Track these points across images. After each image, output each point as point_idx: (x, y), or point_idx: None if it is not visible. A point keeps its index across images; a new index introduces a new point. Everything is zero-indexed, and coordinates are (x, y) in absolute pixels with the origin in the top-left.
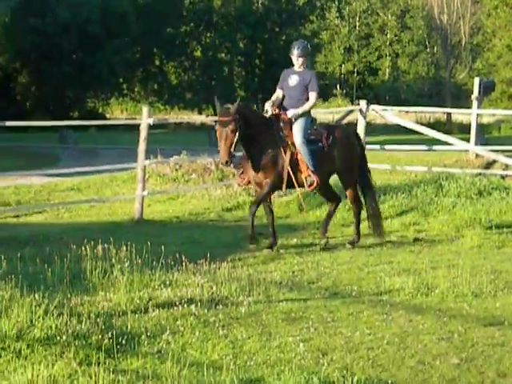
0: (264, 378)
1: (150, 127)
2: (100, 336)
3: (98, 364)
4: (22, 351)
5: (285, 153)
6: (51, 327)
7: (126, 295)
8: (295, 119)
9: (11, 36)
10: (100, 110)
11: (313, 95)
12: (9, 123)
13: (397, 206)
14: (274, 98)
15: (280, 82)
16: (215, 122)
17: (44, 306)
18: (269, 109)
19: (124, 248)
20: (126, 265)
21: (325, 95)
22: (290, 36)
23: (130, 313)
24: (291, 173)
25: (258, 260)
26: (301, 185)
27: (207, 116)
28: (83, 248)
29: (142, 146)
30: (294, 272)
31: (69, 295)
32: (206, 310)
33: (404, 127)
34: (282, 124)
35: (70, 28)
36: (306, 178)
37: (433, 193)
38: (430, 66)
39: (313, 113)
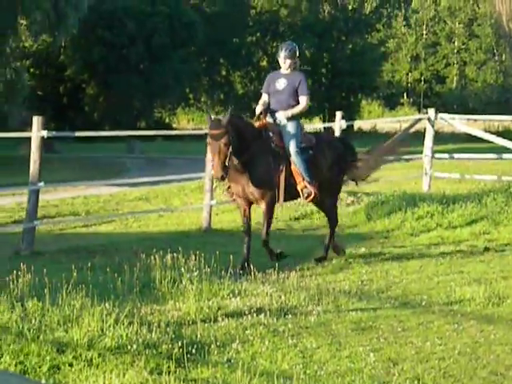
0: None
1: None
2: (170, 345)
3: (169, 373)
4: (94, 360)
5: (279, 164)
6: (122, 336)
7: (195, 304)
8: (285, 126)
9: (79, 48)
10: (167, 120)
11: (303, 99)
12: (78, 133)
13: (466, 215)
14: (261, 102)
15: (265, 86)
16: (206, 134)
17: (114, 315)
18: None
19: (193, 257)
20: (195, 274)
21: (392, 104)
22: (356, 45)
23: (199, 322)
24: (282, 185)
25: (326, 269)
26: (295, 197)
27: None
28: (152, 257)
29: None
30: (362, 281)
31: (139, 304)
32: (275, 320)
33: (472, 136)
34: (271, 133)
35: (137, 39)
36: (302, 189)
37: (503, 202)
38: (498, 73)
39: (381, 122)
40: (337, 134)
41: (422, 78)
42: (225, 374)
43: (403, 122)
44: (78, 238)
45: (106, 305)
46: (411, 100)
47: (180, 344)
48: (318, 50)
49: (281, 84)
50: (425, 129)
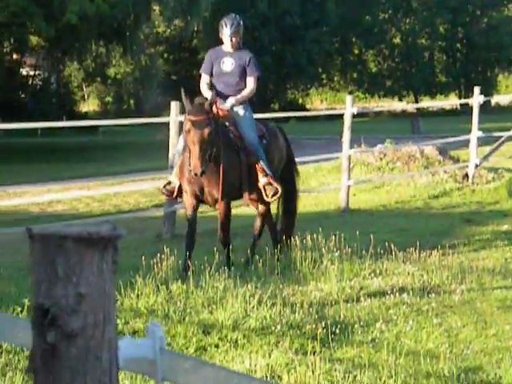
0: (482, 367)
1: (353, 116)
2: (314, 325)
3: (314, 353)
4: (239, 341)
5: (240, 159)
6: (265, 317)
7: (337, 285)
8: (238, 113)
9: (212, 31)
10: (300, 101)
11: (251, 80)
12: None
13: None
14: (206, 86)
15: (206, 66)
16: (185, 121)
17: (257, 296)
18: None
19: (332, 238)
20: (336, 254)
21: None
22: (492, 18)
23: (341, 302)
24: (247, 182)
25: (469, 247)
26: (255, 199)
27: (407, 103)
28: (292, 238)
29: (346, 135)
30: (506, 259)
31: (281, 285)
32: (418, 299)
33: None
34: (227, 123)
35: (269, 20)
36: (264, 186)
37: None
38: None
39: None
40: (475, 110)
41: None
42: (370, 354)
43: None
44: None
45: (249, 286)
46: None
47: (324, 324)
48: (453, 26)
49: (228, 64)
50: None
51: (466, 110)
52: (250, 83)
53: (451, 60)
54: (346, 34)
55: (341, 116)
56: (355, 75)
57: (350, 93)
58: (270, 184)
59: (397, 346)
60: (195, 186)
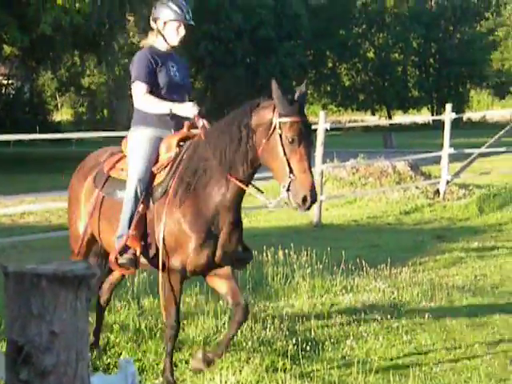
0: None
1: (326, 131)
2: (285, 342)
3: (284, 370)
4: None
5: None
6: (237, 333)
7: (308, 301)
8: None
9: (186, 42)
10: None
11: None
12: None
13: None
14: (154, 98)
15: (145, 72)
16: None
17: (229, 312)
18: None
19: (304, 253)
20: (308, 270)
21: (501, 93)
22: (464, 34)
23: (312, 318)
24: None
25: (439, 264)
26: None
27: (380, 117)
28: (264, 254)
29: (319, 151)
30: (476, 276)
31: (252, 301)
32: (388, 316)
33: None
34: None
35: (243, 32)
36: None
37: None
38: None
39: (491, 113)
40: (447, 127)
41: None
42: (340, 371)
43: None
44: None
45: (220, 302)
46: None
47: (294, 341)
48: (426, 41)
49: (174, 71)
50: None
51: (439, 124)
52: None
53: (424, 75)
54: (319, 47)
55: (314, 130)
56: (329, 88)
57: (324, 106)
58: None
59: (367, 363)
60: (211, 243)
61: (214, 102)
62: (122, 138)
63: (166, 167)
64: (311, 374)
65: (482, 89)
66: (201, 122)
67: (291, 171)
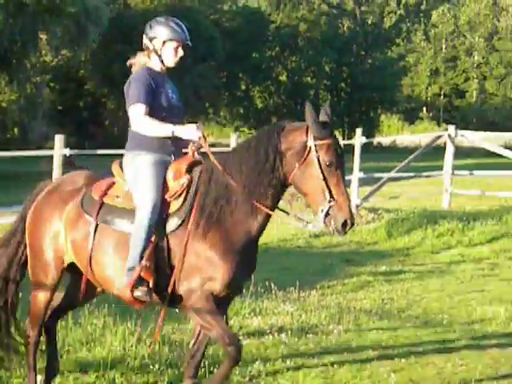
0: None
1: None
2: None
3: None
4: (116, 380)
5: None
6: (144, 356)
7: None
8: None
9: (99, 62)
10: None
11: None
12: (100, 151)
13: (487, 232)
14: (156, 121)
15: (145, 93)
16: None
17: (137, 334)
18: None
19: None
20: None
21: (411, 118)
22: (376, 59)
23: None
24: None
25: (347, 288)
26: None
27: None
28: None
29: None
30: (383, 300)
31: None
32: (296, 339)
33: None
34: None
35: None
36: None
37: None
38: None
39: (401, 138)
40: (357, 151)
41: (442, 93)
42: None
43: (423, 138)
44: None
45: (128, 324)
46: (431, 114)
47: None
48: (338, 65)
49: (171, 93)
50: (445, 144)
51: (349, 148)
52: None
53: (336, 99)
54: (233, 69)
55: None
56: (242, 111)
57: (237, 128)
58: None
59: None
60: (241, 270)
61: (127, 121)
62: (35, 157)
63: (180, 195)
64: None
65: (393, 114)
66: (206, 147)
67: (331, 195)
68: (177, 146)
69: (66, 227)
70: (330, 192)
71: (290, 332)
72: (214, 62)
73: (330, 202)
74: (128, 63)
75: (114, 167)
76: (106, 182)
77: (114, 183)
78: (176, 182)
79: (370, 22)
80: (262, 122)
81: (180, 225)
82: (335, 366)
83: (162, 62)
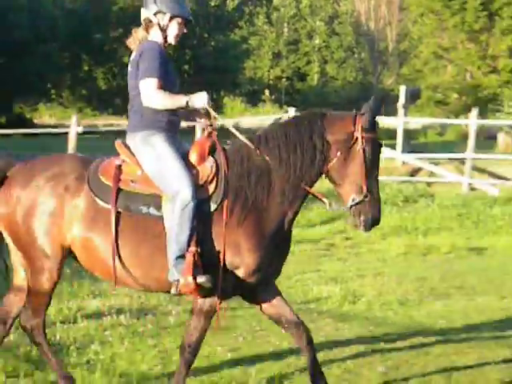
0: None
1: (80, 134)
2: (28, 348)
3: (27, 376)
4: None
5: None
6: None
7: (55, 306)
8: None
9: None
10: (28, 116)
11: None
12: None
13: (323, 213)
14: (173, 96)
15: (157, 66)
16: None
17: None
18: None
19: None
20: None
21: (254, 100)
22: (218, 42)
23: (58, 323)
24: None
25: None
26: None
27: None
28: None
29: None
30: None
31: None
32: (135, 320)
33: None
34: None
35: None
36: None
37: None
38: (357, 71)
39: (245, 120)
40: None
41: (284, 75)
42: (83, 376)
43: (266, 121)
44: None
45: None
46: (273, 97)
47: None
48: (181, 47)
49: (172, 69)
50: None
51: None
52: None
53: (179, 81)
54: (76, 50)
55: (68, 133)
56: (85, 92)
57: (80, 109)
58: None
59: (111, 368)
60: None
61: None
62: None
63: (212, 180)
64: (54, 380)
65: (236, 96)
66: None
67: (368, 189)
68: (178, 125)
69: (80, 214)
70: (367, 186)
71: (129, 313)
72: (57, 42)
73: (366, 196)
74: (127, 43)
75: (119, 146)
76: (108, 164)
77: (117, 166)
78: (202, 165)
79: (212, 3)
80: (105, 104)
81: (215, 210)
82: (173, 346)
83: (165, 38)
